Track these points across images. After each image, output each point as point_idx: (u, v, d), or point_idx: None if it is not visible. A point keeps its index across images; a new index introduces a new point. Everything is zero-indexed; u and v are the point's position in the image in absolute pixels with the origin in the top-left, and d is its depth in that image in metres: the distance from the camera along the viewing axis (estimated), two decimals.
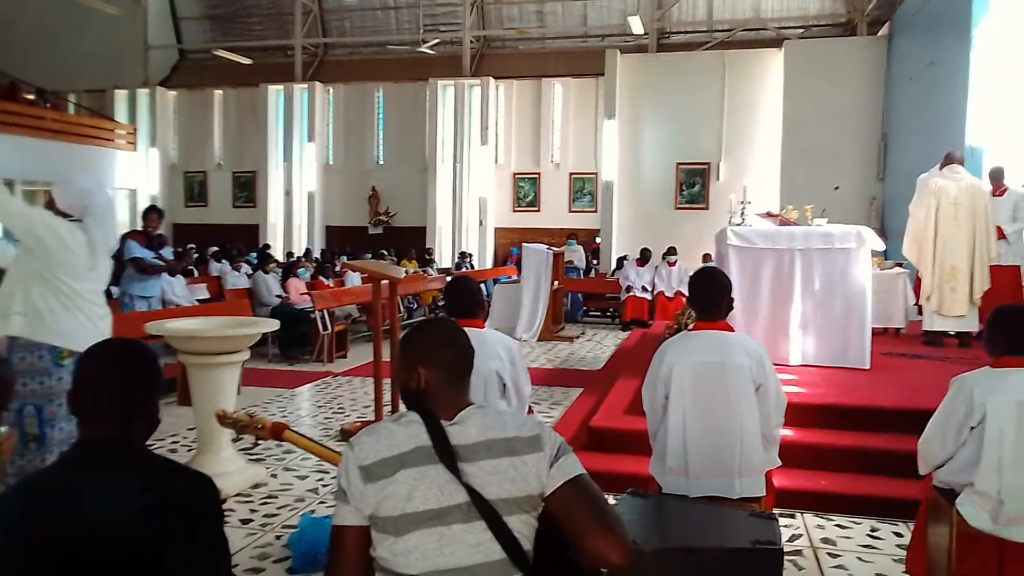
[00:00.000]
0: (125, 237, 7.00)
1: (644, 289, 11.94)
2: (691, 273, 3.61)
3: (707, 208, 15.40)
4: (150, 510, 1.45)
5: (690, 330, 3.06)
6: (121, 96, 19.63)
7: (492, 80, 17.25)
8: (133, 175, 18.75)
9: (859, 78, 14.29)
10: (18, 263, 3.41)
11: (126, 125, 19.13)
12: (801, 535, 3.79)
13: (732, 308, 3.03)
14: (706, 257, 11.96)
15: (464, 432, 1.60)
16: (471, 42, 17.85)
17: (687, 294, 3.37)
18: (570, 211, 17.28)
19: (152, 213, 7.02)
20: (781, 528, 2.53)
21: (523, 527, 1.57)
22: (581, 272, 14.56)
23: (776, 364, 3.06)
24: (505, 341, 3.18)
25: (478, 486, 1.54)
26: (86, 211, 3.50)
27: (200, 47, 20.16)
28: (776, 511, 3.10)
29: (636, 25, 15.04)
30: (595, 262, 15.96)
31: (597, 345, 10.32)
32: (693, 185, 15.70)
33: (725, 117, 15.40)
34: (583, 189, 17.26)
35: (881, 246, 6.23)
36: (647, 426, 3.12)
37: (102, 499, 1.46)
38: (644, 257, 12.35)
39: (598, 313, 13.50)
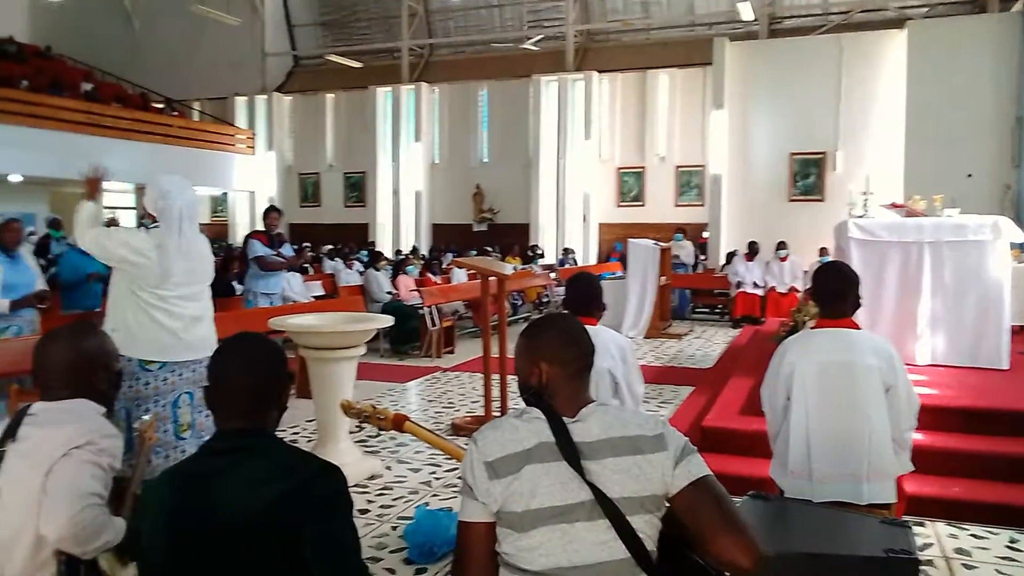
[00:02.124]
0: (248, 237, 7.36)
1: (755, 285, 11.57)
2: (805, 268, 3.46)
3: (823, 200, 14.72)
4: (285, 497, 1.52)
5: (812, 328, 2.93)
6: (241, 103, 20.67)
7: (595, 74, 17.12)
8: (252, 177, 19.69)
9: (990, 57, 13.30)
10: (113, 280, 3.48)
11: (245, 130, 20.10)
12: (932, 544, 3.57)
13: (859, 305, 2.88)
14: (823, 251, 11.46)
15: (586, 429, 1.59)
16: (574, 36, 17.77)
17: (801, 290, 3.24)
18: (676, 205, 16.94)
19: (272, 212, 7.33)
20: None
21: (647, 527, 1.54)
22: (689, 268, 14.24)
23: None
24: (618, 339, 3.13)
25: (602, 484, 1.53)
26: (161, 214, 3.48)
27: (313, 53, 20.95)
28: (906, 519, 2.93)
29: (746, 11, 14.56)
30: (703, 257, 15.58)
31: (707, 342, 10.08)
32: (808, 176, 15.05)
33: (842, 103, 14.67)
34: (690, 182, 16.88)
35: (1021, 237, 5.79)
36: (766, 427, 3.01)
37: (240, 486, 1.53)
38: (752, 251, 11.96)
39: (706, 310, 13.18)
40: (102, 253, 3.44)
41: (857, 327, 2.85)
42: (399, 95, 18.85)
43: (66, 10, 20.17)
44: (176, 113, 19.32)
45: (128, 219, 15.58)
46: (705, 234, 16.06)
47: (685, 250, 14.43)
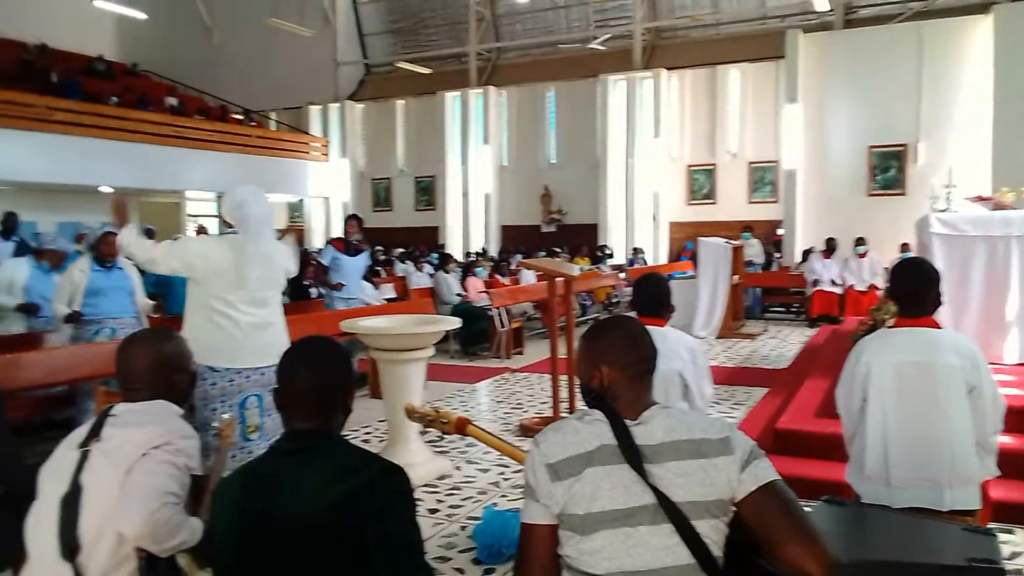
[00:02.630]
0: (328, 243, 7.58)
1: (833, 283, 11.22)
2: (885, 265, 3.34)
3: (904, 194, 14.14)
4: (349, 497, 1.55)
5: (890, 327, 2.83)
6: (315, 111, 21.23)
7: (664, 71, 16.91)
8: (326, 184, 20.19)
9: None
10: (188, 290, 3.56)
11: (320, 138, 20.64)
12: (1021, 553, 3.40)
13: (940, 303, 2.76)
14: (904, 247, 11.02)
15: (649, 432, 1.58)
16: (642, 34, 17.61)
17: (880, 287, 3.13)
18: (749, 202, 16.57)
19: (351, 220, 7.53)
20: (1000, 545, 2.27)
21: (712, 532, 1.52)
22: (759, 267, 13.91)
23: (990, 364, 2.76)
24: (688, 341, 3.08)
25: (665, 488, 1.51)
26: (240, 221, 3.56)
27: (383, 61, 21.36)
28: (992, 526, 2.79)
29: (820, 2, 14.14)
30: (777, 255, 15.20)
31: (781, 342, 9.84)
32: (887, 169, 14.48)
33: (923, 94, 14.07)
34: (763, 179, 16.50)
35: None
36: (842, 430, 2.92)
37: (306, 487, 1.58)
38: (830, 248, 11.60)
39: (781, 309, 12.85)
40: (174, 267, 3.51)
41: (938, 326, 2.73)
42: (467, 99, 19.02)
43: (151, 28, 21.10)
44: (254, 123, 19.99)
45: (211, 226, 16.18)
46: (780, 231, 15.66)
47: (754, 249, 14.11)
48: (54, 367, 4.52)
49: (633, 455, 1.53)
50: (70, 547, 1.77)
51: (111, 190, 15.94)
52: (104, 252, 5.10)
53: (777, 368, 7.88)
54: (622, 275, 12.85)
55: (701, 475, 1.53)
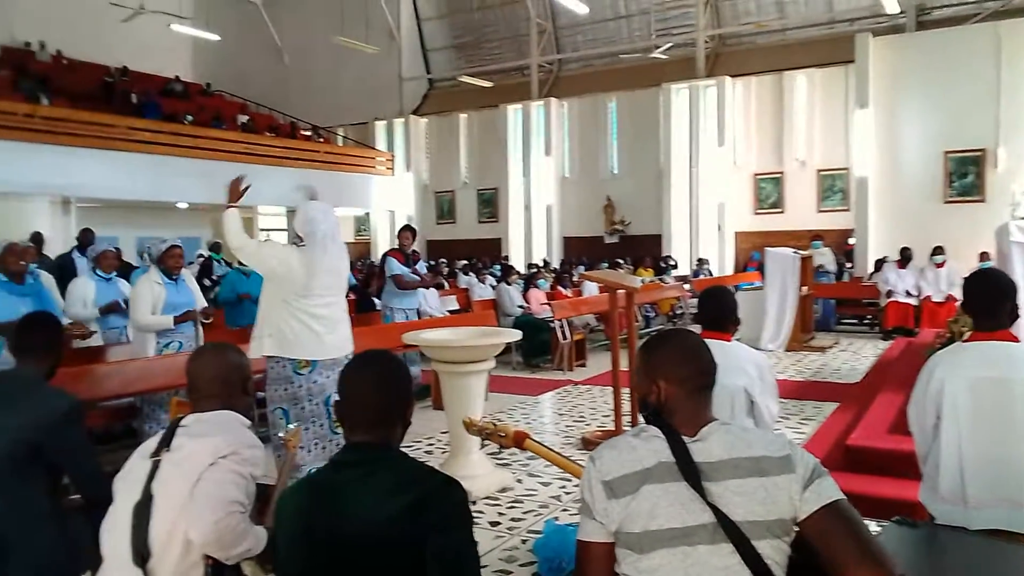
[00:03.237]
0: (386, 255, 7.67)
1: (908, 294, 10.83)
2: (964, 275, 3.20)
3: (983, 200, 13.59)
4: (407, 510, 1.57)
5: (965, 341, 2.71)
6: (380, 127, 21.66)
7: (728, 79, 16.67)
8: (391, 197, 20.55)
9: None
10: (264, 291, 3.94)
11: (385, 152, 21.03)
12: None
13: (1018, 316, 2.64)
14: (983, 256, 10.56)
15: (707, 449, 1.55)
16: (705, 42, 17.41)
17: (959, 299, 3.01)
18: (818, 211, 16.15)
19: (406, 232, 7.60)
20: None
21: (774, 553, 1.49)
22: (831, 276, 13.50)
23: None
24: (755, 356, 3.00)
25: (724, 506, 1.48)
26: (308, 236, 3.93)
27: (446, 75, 21.66)
28: None
29: (891, 4, 13.74)
30: (849, 265, 14.76)
31: (853, 355, 9.54)
32: (965, 175, 13.93)
33: (1002, 96, 13.49)
34: (833, 186, 16.06)
35: None
36: (915, 448, 2.81)
37: (366, 499, 1.61)
38: (904, 258, 11.19)
39: (854, 321, 12.46)
40: (259, 263, 3.92)
41: (1015, 339, 2.61)
42: (529, 111, 19.12)
43: (224, 50, 21.91)
44: (322, 139, 20.52)
45: (281, 239, 16.65)
46: (851, 240, 15.22)
47: (826, 258, 13.71)
48: (129, 378, 4.70)
49: (691, 473, 1.51)
50: (141, 554, 1.84)
51: (185, 206, 16.59)
52: (170, 265, 5.25)
53: (849, 382, 7.64)
54: (687, 286, 12.67)
55: (762, 493, 1.49)
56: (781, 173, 16.56)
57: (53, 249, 10.92)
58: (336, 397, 3.70)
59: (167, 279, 5.24)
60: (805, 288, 10.29)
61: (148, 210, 16.51)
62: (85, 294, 6.00)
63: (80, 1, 19.38)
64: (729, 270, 16.41)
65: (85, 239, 9.01)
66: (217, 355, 2.17)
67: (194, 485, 1.88)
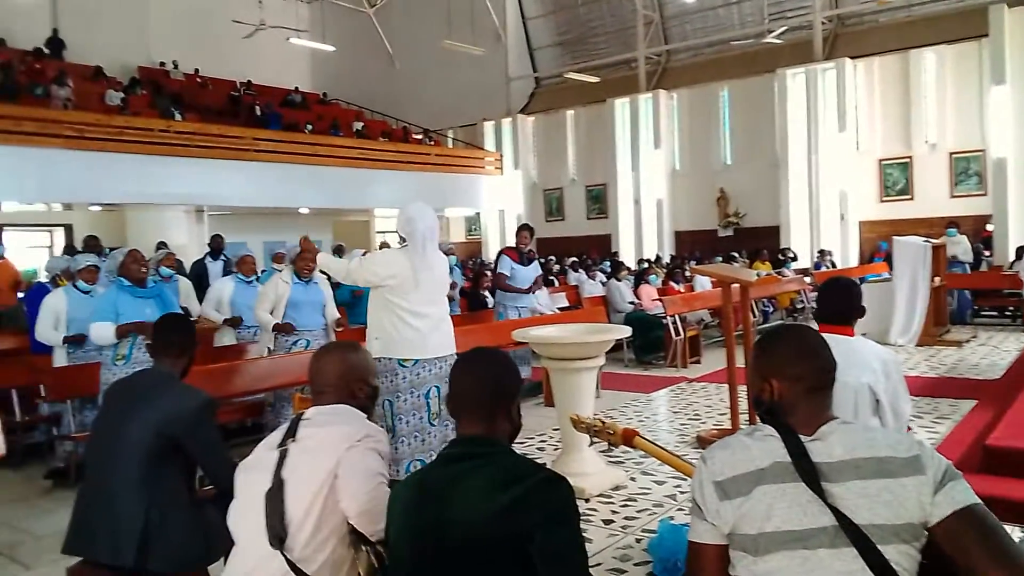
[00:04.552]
0: (500, 253, 7.77)
1: None
2: None
3: None
4: (513, 505, 1.58)
5: None
6: (488, 127, 21.95)
7: (848, 61, 15.87)
8: (501, 196, 20.80)
9: None
10: (371, 296, 4.06)
11: (493, 152, 21.30)
12: None
13: None
14: None
15: (827, 449, 1.48)
16: (822, 23, 16.64)
17: None
18: (951, 196, 15.15)
19: (523, 231, 7.66)
20: None
21: (902, 559, 1.40)
22: (967, 266, 12.60)
23: None
24: (880, 352, 2.82)
25: (846, 509, 1.41)
26: (408, 236, 4.04)
27: (553, 73, 21.70)
28: None
29: None
30: (987, 253, 13.74)
31: (993, 350, 8.87)
32: None
33: None
34: (967, 169, 15.01)
35: None
36: None
37: (472, 494, 1.63)
38: None
39: (994, 313, 11.60)
40: (371, 278, 4.02)
41: None
42: (637, 104, 18.87)
43: (339, 59, 22.83)
44: (433, 142, 21.01)
45: (396, 241, 17.18)
46: (989, 227, 14.18)
47: (961, 246, 12.80)
48: (258, 376, 4.98)
49: (809, 473, 1.45)
50: (278, 535, 1.93)
51: (307, 211, 17.37)
52: (299, 267, 5.52)
53: (988, 379, 7.12)
54: (808, 279, 12.16)
55: (887, 496, 1.41)
56: (909, 157, 15.63)
57: (188, 255, 11.69)
58: (435, 390, 3.88)
59: (297, 280, 5.49)
60: (938, 279, 9.65)
61: (273, 216, 17.43)
62: (221, 295, 6.43)
63: (207, 21, 20.68)
64: (854, 262, 15.62)
65: (216, 245, 9.59)
66: (338, 354, 2.25)
67: (335, 467, 1.95)
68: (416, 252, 4.00)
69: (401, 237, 4.13)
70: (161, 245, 9.76)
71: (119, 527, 2.48)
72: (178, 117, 15.39)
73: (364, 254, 6.43)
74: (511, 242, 7.84)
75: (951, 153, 15.16)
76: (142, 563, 2.47)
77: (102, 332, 4.57)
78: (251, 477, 2.05)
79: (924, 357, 8.55)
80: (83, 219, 16.37)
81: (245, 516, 2.01)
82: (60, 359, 5.33)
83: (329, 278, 5.62)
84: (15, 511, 4.60)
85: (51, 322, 5.27)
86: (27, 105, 13.08)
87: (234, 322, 6.43)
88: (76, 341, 5.17)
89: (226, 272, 7.68)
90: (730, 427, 5.28)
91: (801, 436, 1.51)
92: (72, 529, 2.60)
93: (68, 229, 16.53)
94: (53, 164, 12.11)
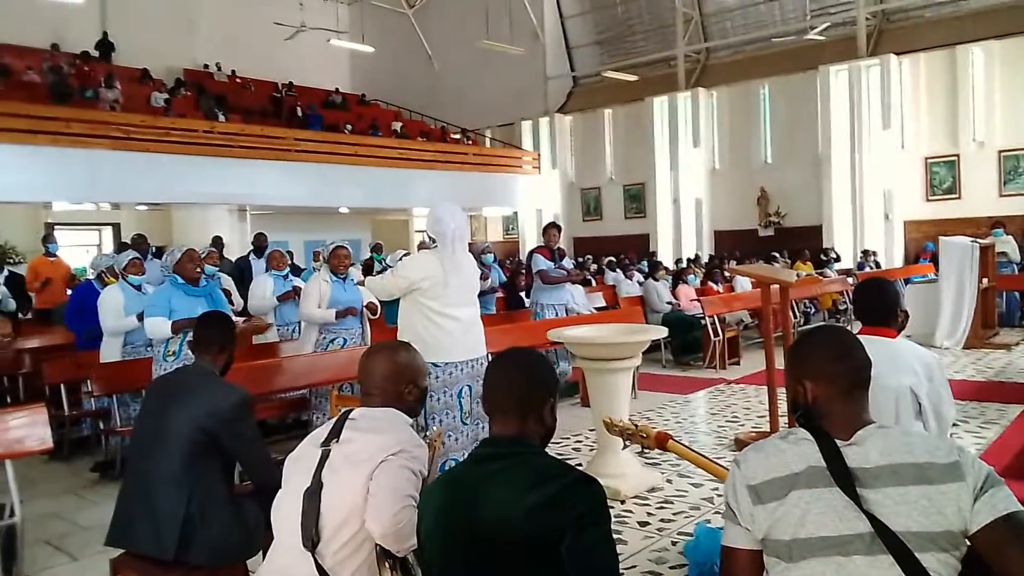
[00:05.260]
0: (532, 252, 7.76)
1: None
2: None
3: None
4: (543, 505, 1.58)
5: None
6: (526, 126, 21.94)
7: (893, 57, 15.53)
8: (538, 196, 20.79)
9: None
10: (403, 300, 4.06)
11: (531, 152, 21.30)
12: None
13: None
14: None
15: (863, 454, 1.46)
16: (866, 19, 16.31)
17: None
18: (1000, 195, 14.74)
19: (552, 229, 7.64)
20: None
21: (941, 567, 1.37)
22: (1015, 267, 12.23)
23: None
24: (922, 354, 2.75)
25: (883, 515, 1.39)
26: (437, 236, 4.03)
27: (591, 72, 21.61)
28: None
29: None
30: None
31: None
32: None
33: None
34: (1017, 168, 14.59)
35: None
36: None
37: (502, 494, 1.63)
38: None
39: None
40: (407, 287, 4.00)
41: None
42: (675, 103, 18.71)
43: (378, 60, 23.02)
44: (471, 141, 21.08)
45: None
46: None
47: (1010, 246, 12.44)
48: (297, 373, 5.04)
49: (845, 478, 1.43)
50: (311, 538, 1.95)
51: (347, 210, 17.57)
52: (334, 265, 5.59)
53: None
54: (851, 280, 11.93)
55: (925, 503, 1.39)
56: (956, 156, 15.24)
57: (232, 252, 11.95)
58: (467, 389, 3.91)
59: (335, 277, 5.57)
60: (985, 280, 9.41)
61: (314, 215, 17.66)
62: (265, 290, 6.60)
63: (249, 24, 21.01)
64: (898, 262, 15.30)
65: (259, 242, 9.82)
66: (387, 354, 2.24)
67: (368, 480, 1.96)
68: (446, 252, 3.99)
69: (431, 237, 4.13)
70: (216, 241, 10.00)
71: (160, 520, 2.54)
72: (221, 118, 15.66)
73: (403, 256, 6.50)
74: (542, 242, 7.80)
75: (1000, 151, 14.74)
76: (182, 555, 2.52)
77: (158, 327, 4.69)
78: (296, 470, 2.08)
79: (971, 360, 8.34)
80: (130, 218, 16.79)
81: (285, 511, 2.04)
82: (107, 355, 5.47)
83: (366, 275, 5.66)
84: (63, 503, 4.74)
85: (113, 315, 5.46)
86: (77, 107, 13.43)
87: (287, 296, 6.61)
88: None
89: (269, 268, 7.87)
90: (769, 430, 5.21)
91: (837, 440, 1.49)
92: (115, 521, 2.67)
93: (116, 228, 16.98)
94: (101, 164, 12.44)
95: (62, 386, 5.69)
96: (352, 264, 5.87)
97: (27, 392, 6.28)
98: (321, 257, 6.04)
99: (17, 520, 3.18)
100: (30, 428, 3.27)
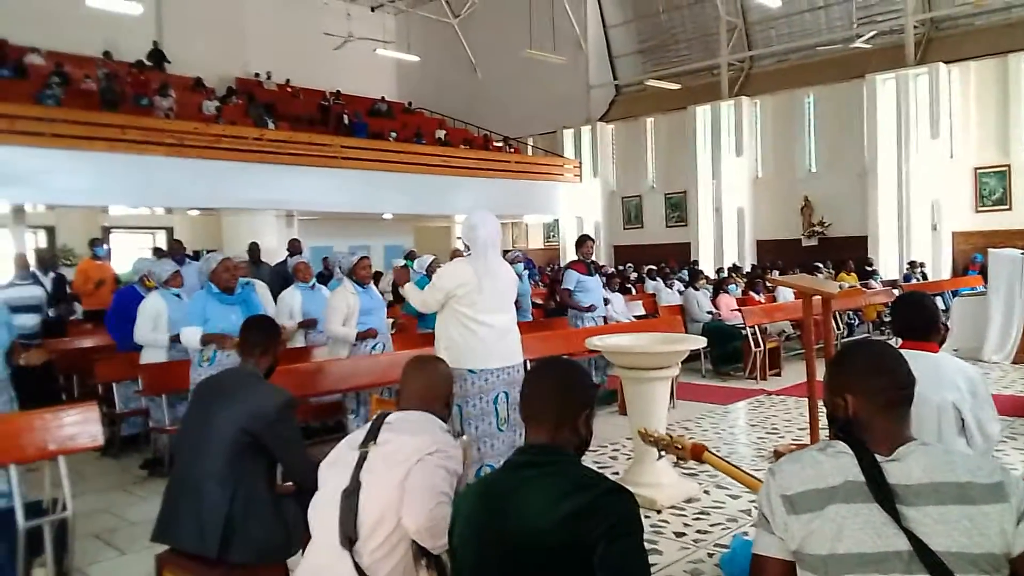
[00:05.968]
0: (567, 267, 7.72)
1: None
2: None
3: None
4: (575, 515, 1.58)
5: None
6: (568, 134, 21.97)
7: (942, 65, 15.22)
8: (579, 203, 20.77)
9: None
10: (441, 311, 4.04)
11: (572, 160, 21.31)
12: None
13: None
14: None
15: (904, 471, 1.44)
16: (915, 27, 16.01)
17: None
18: None
19: (586, 241, 7.43)
20: None
21: None
22: None
23: None
24: (966, 369, 2.71)
25: (923, 534, 1.37)
26: (471, 243, 4.04)
27: (633, 80, 21.56)
28: None
29: None
30: None
31: None
32: None
33: None
34: None
35: None
36: None
37: (536, 502, 1.64)
38: None
39: None
40: (443, 296, 4.00)
41: None
42: (718, 111, 18.57)
43: (423, 69, 23.29)
44: (513, 150, 21.18)
45: None
46: None
47: None
48: (338, 376, 5.13)
49: (884, 494, 1.42)
50: (349, 537, 2.01)
51: (390, 217, 17.77)
52: (361, 276, 5.67)
53: None
54: (896, 292, 11.69)
55: (966, 523, 1.37)
56: (1007, 166, 14.87)
57: (278, 258, 12.14)
58: (503, 395, 3.93)
59: (359, 287, 5.64)
60: None
61: (359, 221, 17.91)
62: (292, 304, 6.61)
63: (299, 34, 21.43)
64: (946, 274, 14.95)
65: (294, 249, 9.90)
66: (429, 367, 2.39)
67: (404, 479, 2.02)
68: (479, 259, 3.99)
69: (466, 245, 4.14)
70: (253, 248, 10.13)
71: (203, 518, 2.61)
72: (271, 125, 15.98)
73: (432, 262, 6.55)
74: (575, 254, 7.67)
75: None
76: (224, 553, 2.59)
77: (190, 337, 4.83)
78: (333, 472, 2.14)
79: (1021, 375, 8.12)
80: (183, 222, 17.22)
81: (323, 511, 2.09)
82: (147, 357, 5.61)
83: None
84: (113, 498, 4.89)
85: (149, 325, 5.58)
86: (132, 114, 13.84)
87: (309, 324, 6.59)
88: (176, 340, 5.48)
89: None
90: (809, 442, 5.14)
91: (877, 456, 1.48)
92: (161, 518, 2.75)
93: (169, 232, 17.41)
94: (155, 170, 12.79)
95: (114, 385, 5.88)
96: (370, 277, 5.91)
97: (80, 390, 6.49)
98: (337, 267, 6.06)
99: (69, 514, 3.28)
100: (82, 426, 3.38)
